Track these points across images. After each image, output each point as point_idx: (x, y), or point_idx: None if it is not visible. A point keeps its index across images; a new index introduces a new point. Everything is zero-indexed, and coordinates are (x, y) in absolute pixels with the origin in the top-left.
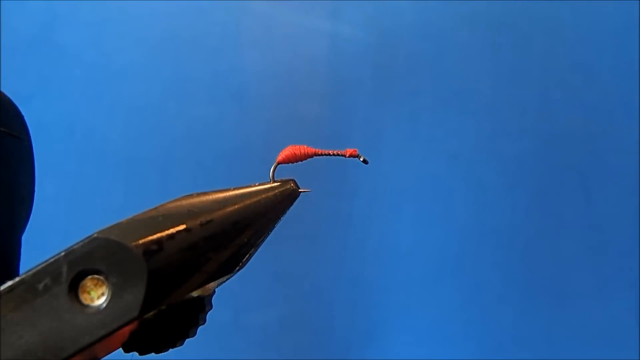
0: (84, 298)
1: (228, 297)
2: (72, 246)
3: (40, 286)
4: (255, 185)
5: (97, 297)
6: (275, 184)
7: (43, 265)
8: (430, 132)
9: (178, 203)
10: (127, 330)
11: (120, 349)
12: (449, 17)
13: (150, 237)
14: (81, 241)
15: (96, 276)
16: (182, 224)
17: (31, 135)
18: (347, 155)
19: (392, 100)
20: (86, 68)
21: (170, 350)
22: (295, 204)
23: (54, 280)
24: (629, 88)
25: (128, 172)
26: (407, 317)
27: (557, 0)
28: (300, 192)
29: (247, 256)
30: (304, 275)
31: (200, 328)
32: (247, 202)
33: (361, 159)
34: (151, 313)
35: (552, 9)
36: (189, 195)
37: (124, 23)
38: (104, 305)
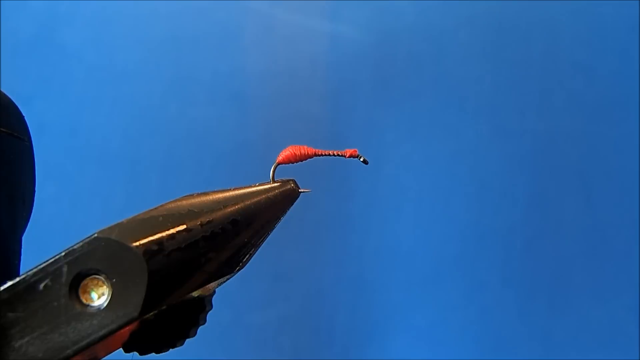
0: (85, 298)
1: (228, 297)
2: (72, 246)
3: (41, 286)
4: (255, 186)
5: (98, 297)
6: (276, 184)
7: (43, 265)
8: (430, 132)
9: (178, 203)
10: (127, 330)
11: (121, 349)
12: (449, 17)
13: (151, 237)
14: (82, 241)
15: (97, 276)
16: (183, 224)
17: (32, 135)
18: (347, 156)
19: (392, 100)
20: (87, 68)
21: (171, 350)
22: (295, 204)
23: (54, 280)
24: (629, 88)
25: (128, 172)
26: (407, 317)
27: (557, 0)
28: (300, 192)
29: (247, 256)
30: (303, 275)
31: (200, 328)
32: (247, 202)
33: (361, 159)
34: (151, 313)
35: (552, 9)
36: (189, 195)
37: (125, 23)
38: (105, 305)
